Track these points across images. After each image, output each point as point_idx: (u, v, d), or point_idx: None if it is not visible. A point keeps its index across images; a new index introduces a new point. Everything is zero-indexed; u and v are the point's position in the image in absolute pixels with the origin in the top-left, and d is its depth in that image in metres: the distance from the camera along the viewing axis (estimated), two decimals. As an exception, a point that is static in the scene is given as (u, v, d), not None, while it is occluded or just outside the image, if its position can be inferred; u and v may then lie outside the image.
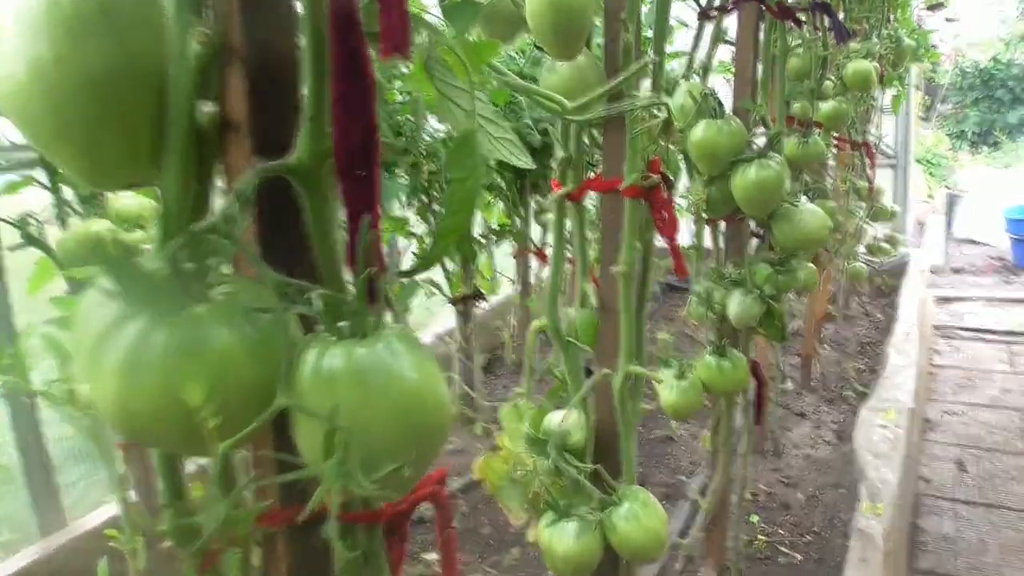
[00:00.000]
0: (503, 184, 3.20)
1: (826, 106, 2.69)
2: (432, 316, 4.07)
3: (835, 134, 2.84)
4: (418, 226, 2.79)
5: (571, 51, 0.94)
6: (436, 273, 2.84)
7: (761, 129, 1.69)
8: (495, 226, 2.92)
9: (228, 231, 0.41)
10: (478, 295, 2.89)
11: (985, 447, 3.13)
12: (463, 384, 3.03)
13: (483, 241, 2.91)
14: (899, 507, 1.93)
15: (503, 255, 3.49)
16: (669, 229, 1.06)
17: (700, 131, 1.50)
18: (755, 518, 2.14)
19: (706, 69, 1.61)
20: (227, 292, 0.43)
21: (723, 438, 1.79)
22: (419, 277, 2.95)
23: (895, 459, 2.07)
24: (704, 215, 1.63)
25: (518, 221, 3.41)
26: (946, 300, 5.23)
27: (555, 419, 1.16)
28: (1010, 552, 2.44)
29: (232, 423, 0.40)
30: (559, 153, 1.12)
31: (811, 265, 2.52)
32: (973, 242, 7.15)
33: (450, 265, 2.86)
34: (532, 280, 3.48)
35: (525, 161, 0.63)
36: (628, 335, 1.10)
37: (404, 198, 2.65)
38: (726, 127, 1.49)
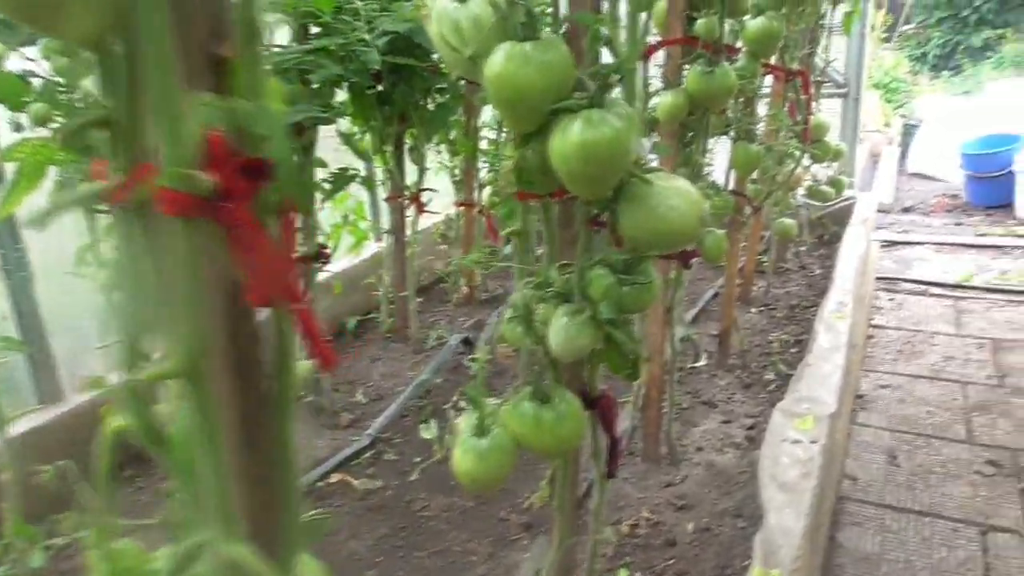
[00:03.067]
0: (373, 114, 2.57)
1: (753, 24, 2.11)
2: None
3: (764, 60, 2.26)
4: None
5: None
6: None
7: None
8: (335, 169, 2.28)
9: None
10: (320, 256, 2.30)
11: (921, 432, 2.71)
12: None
13: (326, 187, 2.29)
14: (804, 570, 1.46)
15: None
16: (261, 283, 0.49)
17: (498, 61, 0.91)
18: (623, 573, 1.66)
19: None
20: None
21: (560, 500, 1.28)
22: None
23: (805, 495, 1.60)
24: (518, 190, 1.06)
25: (389, 159, 2.80)
26: (892, 244, 4.80)
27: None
28: (942, 579, 2.03)
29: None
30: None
31: (719, 232, 1.99)
32: (926, 177, 6.71)
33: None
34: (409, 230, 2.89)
35: None
36: (220, 487, 0.55)
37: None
38: (538, 55, 0.91)
